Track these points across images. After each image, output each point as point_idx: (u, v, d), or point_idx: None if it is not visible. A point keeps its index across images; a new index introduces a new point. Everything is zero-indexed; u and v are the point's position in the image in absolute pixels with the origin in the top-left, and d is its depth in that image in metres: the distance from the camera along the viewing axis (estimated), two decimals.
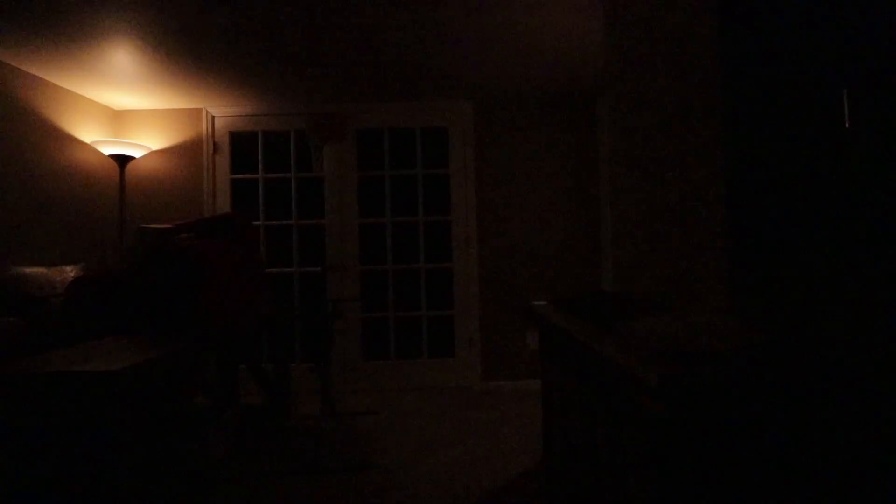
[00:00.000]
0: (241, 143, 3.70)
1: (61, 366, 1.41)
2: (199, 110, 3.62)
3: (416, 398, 3.46)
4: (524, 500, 2.01)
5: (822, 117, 0.98)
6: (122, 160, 3.38)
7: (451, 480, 2.21)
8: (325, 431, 2.85)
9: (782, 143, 1.06)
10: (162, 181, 3.62)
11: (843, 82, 0.95)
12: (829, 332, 0.94)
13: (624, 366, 0.92)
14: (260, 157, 3.68)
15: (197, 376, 2.69)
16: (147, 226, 2.34)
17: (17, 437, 1.34)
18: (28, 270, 2.55)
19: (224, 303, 2.21)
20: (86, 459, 1.35)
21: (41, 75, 2.95)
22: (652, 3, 1.62)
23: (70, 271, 2.76)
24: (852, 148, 0.91)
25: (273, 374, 2.98)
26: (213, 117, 3.63)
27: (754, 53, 1.13)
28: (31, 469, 1.33)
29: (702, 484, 0.83)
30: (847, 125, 0.92)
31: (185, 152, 3.62)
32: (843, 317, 0.92)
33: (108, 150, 3.31)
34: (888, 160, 0.94)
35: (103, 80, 3.04)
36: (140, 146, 3.42)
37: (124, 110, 3.61)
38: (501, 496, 2.05)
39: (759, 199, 1.10)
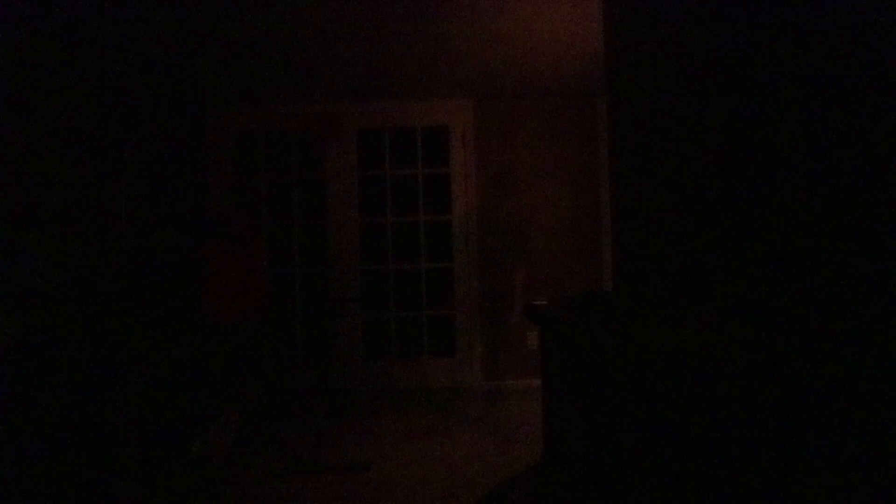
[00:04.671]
0: (241, 143, 3.70)
1: (62, 366, 1.41)
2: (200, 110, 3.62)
3: (415, 398, 3.46)
4: (524, 499, 2.01)
5: (823, 116, 0.98)
6: None
7: (451, 479, 2.21)
8: (325, 431, 2.85)
9: (784, 139, 1.06)
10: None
11: (843, 82, 0.95)
12: (830, 332, 0.94)
13: (624, 366, 0.92)
14: (260, 158, 3.68)
15: (199, 374, 2.69)
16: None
17: (17, 437, 1.34)
18: None
19: (224, 302, 2.22)
20: (86, 459, 1.35)
21: None
22: None
23: None
24: (852, 148, 0.91)
25: (273, 373, 2.98)
26: (213, 117, 3.63)
27: (755, 48, 1.13)
28: (32, 469, 1.34)
29: (701, 483, 0.82)
30: (847, 125, 0.92)
31: (186, 152, 3.62)
32: (842, 317, 0.92)
33: None
34: (888, 160, 0.94)
35: None
36: None
37: None
38: (502, 495, 2.05)
39: (761, 198, 1.10)
